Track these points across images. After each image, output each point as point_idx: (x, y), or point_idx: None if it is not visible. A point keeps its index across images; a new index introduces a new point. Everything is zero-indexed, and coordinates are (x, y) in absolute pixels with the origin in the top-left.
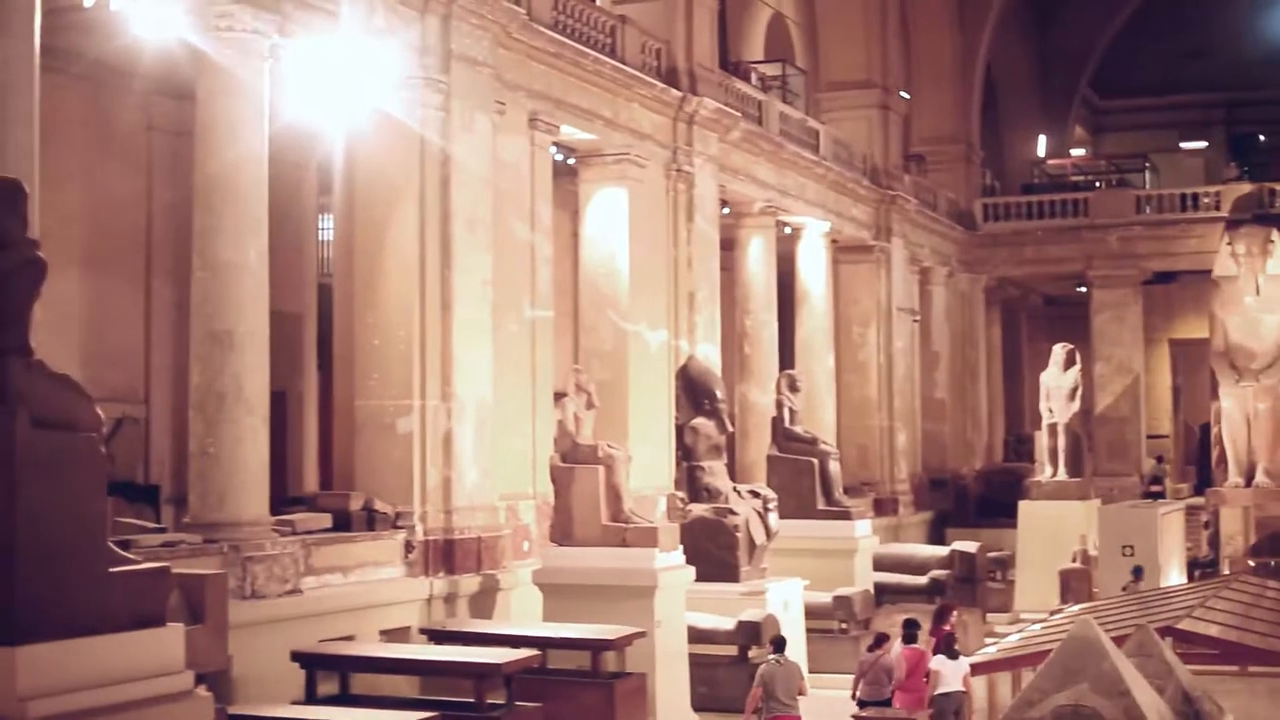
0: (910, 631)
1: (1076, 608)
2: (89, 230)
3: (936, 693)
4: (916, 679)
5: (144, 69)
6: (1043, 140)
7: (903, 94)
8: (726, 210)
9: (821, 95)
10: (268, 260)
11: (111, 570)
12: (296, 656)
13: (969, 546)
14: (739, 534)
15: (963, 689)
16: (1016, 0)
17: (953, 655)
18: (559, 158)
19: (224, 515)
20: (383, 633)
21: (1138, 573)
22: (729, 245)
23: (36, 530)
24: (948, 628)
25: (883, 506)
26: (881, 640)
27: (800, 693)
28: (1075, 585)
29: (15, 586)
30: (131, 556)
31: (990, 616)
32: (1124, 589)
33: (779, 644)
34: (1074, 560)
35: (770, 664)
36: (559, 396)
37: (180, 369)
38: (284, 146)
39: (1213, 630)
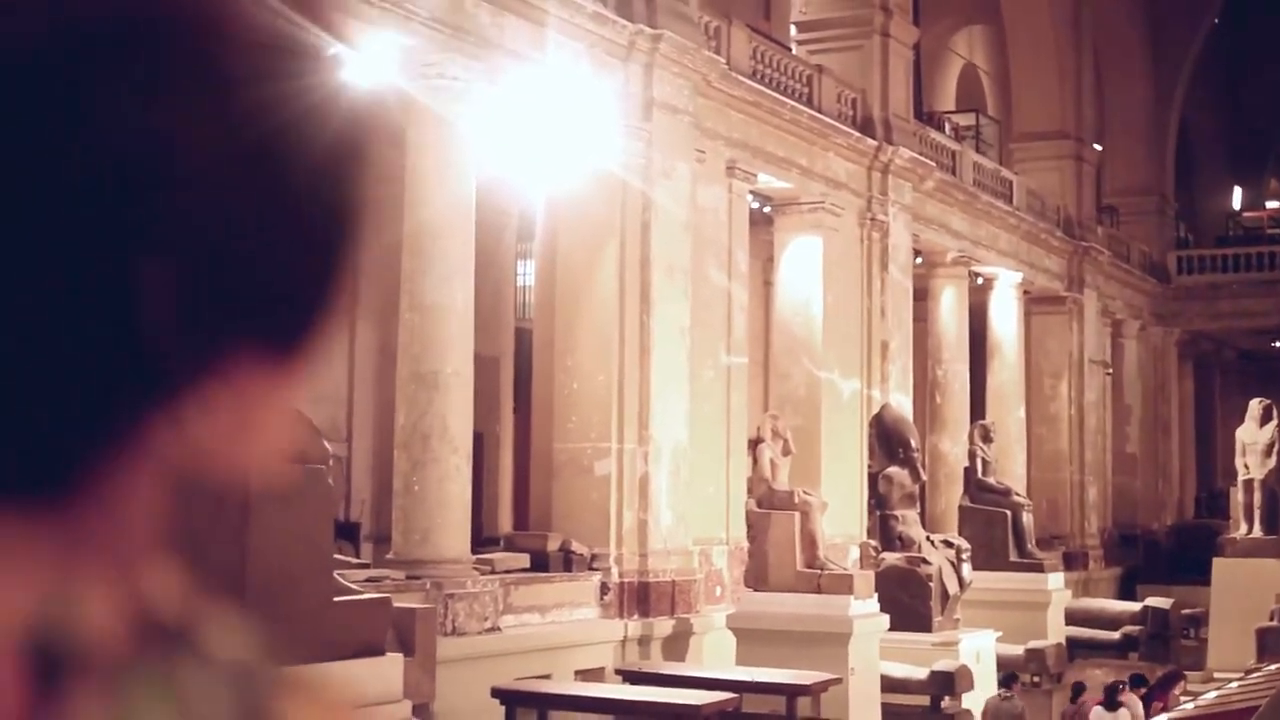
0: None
1: (1275, 666)
2: None
3: None
4: None
5: None
6: (1237, 192)
7: (1095, 145)
8: (919, 260)
9: (1014, 146)
10: (473, 303)
11: (336, 600)
12: (496, 693)
13: (1163, 603)
14: (932, 584)
15: None
16: (1210, 52)
17: (1113, 707)
18: (754, 205)
19: (427, 553)
20: (578, 673)
21: None
22: (921, 295)
23: (266, 559)
24: (1174, 694)
25: (1072, 560)
26: (1079, 691)
27: None
28: (1272, 644)
29: (244, 613)
30: (354, 587)
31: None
32: None
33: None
34: (1271, 619)
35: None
36: (753, 443)
37: (382, 409)
38: (486, 192)
39: None
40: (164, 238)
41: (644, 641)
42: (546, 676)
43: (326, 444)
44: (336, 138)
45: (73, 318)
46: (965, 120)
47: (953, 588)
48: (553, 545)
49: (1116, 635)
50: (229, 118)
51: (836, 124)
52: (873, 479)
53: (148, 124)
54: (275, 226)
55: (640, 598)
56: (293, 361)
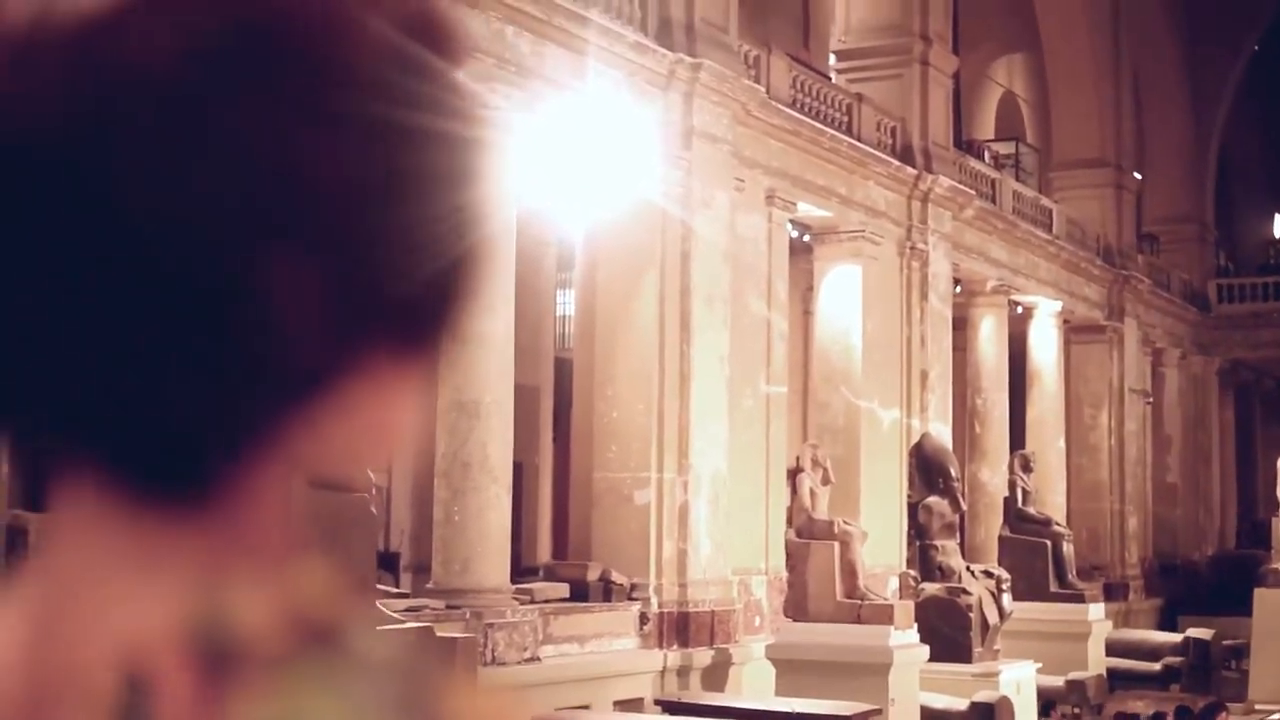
0: None
1: None
2: None
3: None
4: None
5: None
6: (1278, 220)
7: (1135, 173)
8: (959, 289)
9: (1054, 174)
10: (514, 332)
11: (379, 629)
12: None
13: (1204, 634)
14: (972, 614)
15: None
16: (1250, 79)
17: None
18: (793, 234)
19: (466, 582)
20: (617, 703)
21: None
22: (960, 324)
23: None
24: None
25: (1112, 591)
26: None
27: None
28: None
29: None
30: (396, 616)
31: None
32: None
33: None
34: None
35: None
36: (792, 473)
37: (421, 439)
38: (526, 221)
39: None
40: (305, 241)
41: (683, 672)
42: (586, 707)
43: (368, 473)
44: (462, 145)
45: (216, 321)
46: (1005, 148)
47: (993, 618)
48: (592, 575)
49: (1158, 666)
50: (366, 123)
51: (876, 153)
52: (912, 509)
53: (287, 130)
54: (410, 230)
55: (680, 628)
56: (422, 365)
